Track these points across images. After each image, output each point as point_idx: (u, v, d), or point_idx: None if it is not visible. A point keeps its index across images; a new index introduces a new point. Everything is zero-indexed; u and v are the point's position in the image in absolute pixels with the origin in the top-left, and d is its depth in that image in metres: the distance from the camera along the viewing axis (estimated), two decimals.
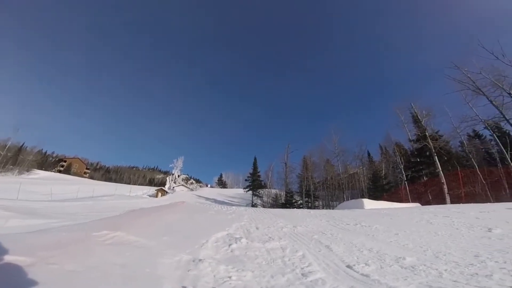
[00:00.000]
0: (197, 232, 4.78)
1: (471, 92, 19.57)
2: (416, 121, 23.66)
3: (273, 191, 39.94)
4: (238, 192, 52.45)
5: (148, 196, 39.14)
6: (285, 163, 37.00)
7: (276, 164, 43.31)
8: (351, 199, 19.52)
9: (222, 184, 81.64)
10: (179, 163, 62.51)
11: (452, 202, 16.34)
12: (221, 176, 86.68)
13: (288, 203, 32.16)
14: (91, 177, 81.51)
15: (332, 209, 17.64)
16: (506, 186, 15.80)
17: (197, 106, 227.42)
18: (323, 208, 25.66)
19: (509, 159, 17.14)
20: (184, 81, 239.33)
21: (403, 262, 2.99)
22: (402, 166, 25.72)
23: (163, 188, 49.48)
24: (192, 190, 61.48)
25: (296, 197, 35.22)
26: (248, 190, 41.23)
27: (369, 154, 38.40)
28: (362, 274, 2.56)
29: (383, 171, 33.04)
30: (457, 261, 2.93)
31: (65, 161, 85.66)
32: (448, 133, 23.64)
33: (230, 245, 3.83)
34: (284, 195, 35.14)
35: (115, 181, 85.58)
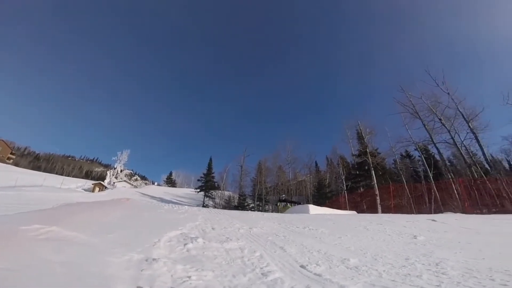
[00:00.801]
0: (147, 230, 4.43)
1: (409, 115, 22.86)
2: (360, 138, 26.43)
3: (227, 193, 39.74)
4: (187, 192, 50.41)
5: (83, 190, 34.55)
6: (241, 166, 37.33)
7: (232, 167, 43.27)
8: (298, 205, 20.66)
9: (171, 182, 76.93)
10: (124, 156, 56.97)
11: (383, 211, 18.61)
12: (170, 174, 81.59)
13: (241, 206, 32.39)
14: (16, 164, 67.79)
15: (282, 213, 18.40)
16: (427, 200, 18.77)
17: (149, 99, 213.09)
18: (272, 212, 26.50)
19: (431, 177, 20.51)
20: (139, 71, 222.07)
21: (348, 263, 3.27)
22: (343, 177, 28.39)
23: (101, 182, 44.39)
24: (135, 187, 56.76)
25: (249, 200, 35.71)
26: (200, 191, 40.06)
27: (316, 164, 41.74)
28: (315, 274, 2.73)
29: (327, 180, 36.00)
30: (392, 263, 3.29)
31: None
32: (385, 151, 27.12)
33: (185, 244, 3.66)
34: (237, 198, 35.25)
35: (45, 170, 73.34)
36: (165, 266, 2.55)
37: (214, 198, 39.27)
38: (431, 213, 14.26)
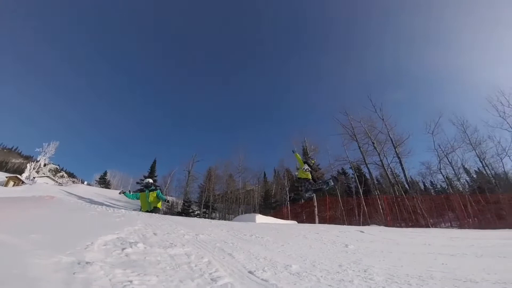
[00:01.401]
0: (77, 232, 3.89)
1: (348, 137, 26.18)
2: (305, 153, 28.66)
3: (170, 198, 37.36)
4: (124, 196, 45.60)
5: None
6: (189, 172, 35.94)
7: (178, 171, 41.13)
8: (245, 213, 20.86)
9: (104, 183, 68.21)
10: (51, 149, 48.95)
11: (320, 222, 20.29)
12: (105, 173, 72.44)
13: (185, 212, 30.90)
14: None
15: (228, 221, 18.28)
16: (357, 213, 21.23)
17: (87, 91, 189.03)
18: (219, 219, 26.06)
19: (361, 193, 23.29)
20: (74, 54, 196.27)
21: (291, 269, 3.45)
22: (287, 188, 30.03)
23: (18, 176, 37.05)
24: (60, 184, 48.74)
25: (194, 207, 34.37)
26: None
27: (265, 175, 43.18)
28: (262, 279, 2.82)
29: (273, 191, 37.48)
30: (328, 269, 3.60)
31: None
32: (325, 167, 30.00)
33: (123, 249, 3.34)
34: (181, 203, 33.53)
35: None
36: (101, 270, 2.30)
37: None
38: (360, 225, 16.15)
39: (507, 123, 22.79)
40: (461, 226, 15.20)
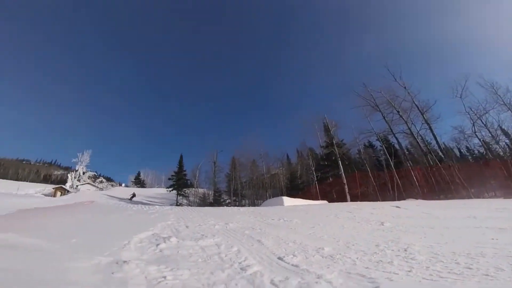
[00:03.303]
0: (114, 233, 4.18)
1: (370, 108, 24.54)
2: (326, 130, 27.73)
3: (201, 190, 38.91)
4: (159, 192, 48.28)
5: (43, 196, 31.36)
6: (214, 162, 36.72)
7: (204, 163, 42.24)
8: (273, 197, 21.05)
9: (140, 183, 72.97)
10: (86, 157, 52.53)
11: (351, 200, 19.76)
12: (139, 174, 77.26)
13: (216, 202, 31.99)
14: None
15: (257, 206, 18.60)
16: (390, 187, 20.26)
17: (110, 97, 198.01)
18: (249, 206, 26.65)
19: (392, 165, 22.17)
20: (98, 67, 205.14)
21: (323, 252, 3.33)
22: (313, 168, 29.48)
23: (63, 186, 40.82)
24: (101, 189, 52.84)
25: (224, 196, 35.46)
26: (172, 190, 38.64)
27: (288, 157, 42.84)
28: (292, 265, 2.75)
29: (299, 172, 37.15)
30: (364, 250, 3.38)
31: None
32: (349, 142, 28.83)
33: (157, 245, 3.52)
34: (212, 194, 34.77)
35: None
36: (137, 267, 2.42)
37: (188, 196, 38.25)
38: (394, 200, 15.43)
39: None
40: (506, 196, 13.78)
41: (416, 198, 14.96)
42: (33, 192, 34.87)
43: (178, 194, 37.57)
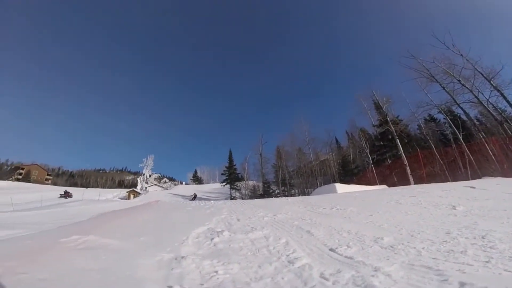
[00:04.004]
0: (175, 229, 4.62)
1: (425, 80, 21.41)
2: (377, 107, 25.19)
3: (251, 182, 40.22)
4: (215, 187, 51.87)
5: (119, 199, 36.98)
6: (260, 154, 37.47)
7: (251, 156, 43.43)
8: (324, 185, 20.39)
9: (197, 180, 79.73)
10: (150, 162, 60.08)
11: (415, 182, 17.68)
12: (195, 172, 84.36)
13: (266, 194, 32.72)
14: (54, 183, 74.19)
15: (308, 195, 18.31)
16: (461, 165, 17.52)
17: (163, 102, 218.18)
18: (299, 196, 26.46)
19: (461, 139, 19.11)
20: (147, 77, 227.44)
21: (382, 242, 3.08)
22: (367, 150, 27.30)
23: (134, 189, 47.18)
24: (166, 189, 59.47)
25: (273, 187, 35.92)
26: (226, 184, 40.99)
27: (337, 141, 40.39)
28: (346, 257, 2.60)
29: (351, 156, 34.83)
30: (431, 239, 3.03)
31: (22, 169, 76.06)
32: (406, 117, 25.60)
33: (212, 239, 3.75)
34: (261, 186, 35.61)
35: (81, 185, 79.61)
36: (193, 263, 2.63)
37: (240, 189, 40.02)
38: (468, 180, 13.31)
39: None
40: None
41: (495, 176, 12.58)
42: (112, 197, 41.09)
43: (231, 188, 39.63)
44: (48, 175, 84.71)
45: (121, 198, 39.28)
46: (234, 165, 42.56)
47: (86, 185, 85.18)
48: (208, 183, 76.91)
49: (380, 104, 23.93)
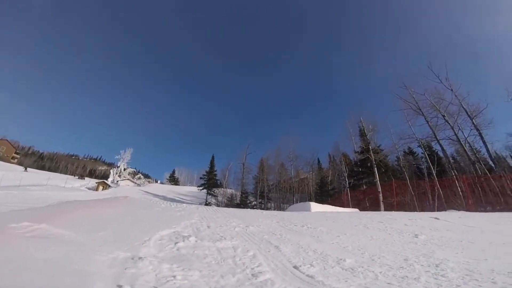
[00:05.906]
0: (139, 228, 4.37)
1: (412, 112, 22.54)
2: (362, 134, 26.00)
3: (229, 190, 39.76)
4: (191, 190, 50.50)
5: (86, 189, 34.91)
6: (243, 164, 37.27)
7: (234, 165, 43.19)
8: (300, 202, 20.54)
9: (174, 180, 77.15)
10: (127, 155, 57.72)
11: (385, 209, 18.31)
12: (173, 172, 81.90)
13: (243, 204, 32.34)
14: (20, 163, 68.36)
15: (283, 210, 18.29)
16: (430, 197, 18.41)
17: (151, 96, 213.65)
18: (274, 210, 26.36)
19: (434, 174, 20.14)
20: (138, 68, 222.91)
21: (344, 263, 3.13)
22: (346, 174, 27.95)
23: (105, 181, 44.86)
24: (139, 185, 57.02)
25: (251, 198, 35.67)
26: (203, 189, 40.10)
27: (319, 161, 41.41)
28: (307, 275, 2.62)
29: (330, 177, 35.66)
30: (390, 264, 3.14)
31: None
32: (388, 148, 26.67)
33: (176, 243, 3.58)
34: (239, 195, 35.23)
35: (50, 169, 74.38)
36: (150, 265, 2.48)
37: (217, 196, 39.32)
38: (434, 211, 14.00)
39: None
40: None
41: (459, 210, 13.34)
42: (79, 186, 38.76)
43: (208, 194, 38.80)
44: (16, 153, 78.15)
45: (89, 189, 37.10)
46: (215, 170, 42.00)
47: (55, 170, 79.68)
48: (184, 185, 74.75)
49: (366, 131, 24.81)
